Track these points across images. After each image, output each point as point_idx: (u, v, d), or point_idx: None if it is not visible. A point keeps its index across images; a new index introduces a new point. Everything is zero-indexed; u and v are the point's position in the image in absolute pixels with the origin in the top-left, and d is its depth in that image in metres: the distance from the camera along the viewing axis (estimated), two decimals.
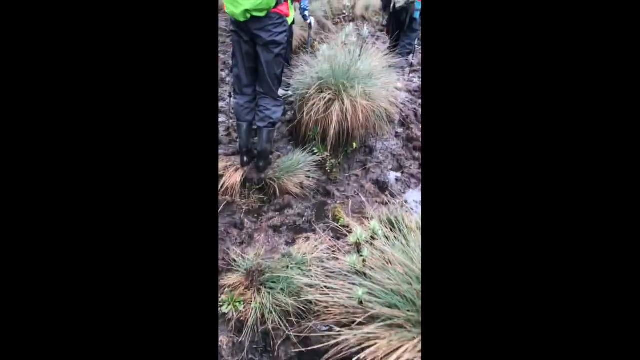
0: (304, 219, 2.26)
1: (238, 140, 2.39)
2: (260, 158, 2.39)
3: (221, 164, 2.51)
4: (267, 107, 2.26)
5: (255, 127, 2.38)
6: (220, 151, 2.91)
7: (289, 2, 2.10)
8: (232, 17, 2.01)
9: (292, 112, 2.99)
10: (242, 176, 2.40)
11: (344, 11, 7.46)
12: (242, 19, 1.95)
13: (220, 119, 3.30)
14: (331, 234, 2.11)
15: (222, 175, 2.42)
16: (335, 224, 2.16)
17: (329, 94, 2.68)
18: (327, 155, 2.82)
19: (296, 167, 2.52)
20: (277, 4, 1.98)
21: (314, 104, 2.69)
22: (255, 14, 1.94)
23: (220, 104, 3.45)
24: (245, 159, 2.43)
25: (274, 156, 2.75)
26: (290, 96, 2.93)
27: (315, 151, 2.85)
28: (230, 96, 2.30)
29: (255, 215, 2.27)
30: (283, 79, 2.37)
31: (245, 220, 2.19)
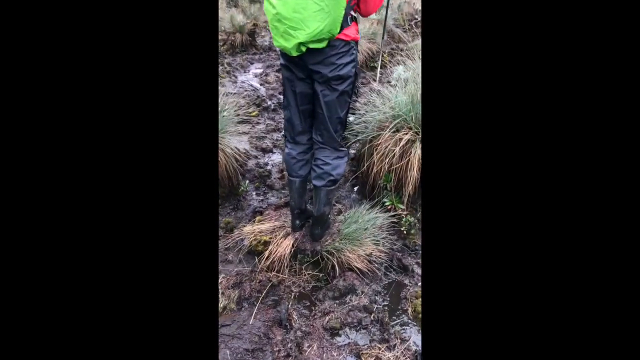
0: (372, 315, 1.65)
1: (289, 199, 1.87)
2: (317, 224, 1.83)
3: (268, 224, 2.01)
4: (327, 160, 1.70)
5: (310, 185, 1.84)
6: (271, 199, 2.43)
7: (356, 20, 1.53)
8: (281, 50, 1.50)
9: (356, 155, 2.40)
10: (294, 245, 1.87)
11: (416, 16, 6.64)
12: (295, 54, 1.43)
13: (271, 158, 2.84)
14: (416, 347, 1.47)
15: (268, 242, 1.91)
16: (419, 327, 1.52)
17: (406, 133, 2.05)
18: (403, 212, 2.18)
19: (363, 232, 1.92)
20: (342, 29, 1.42)
21: (387, 147, 2.08)
22: (313, 46, 1.40)
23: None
24: (297, 222, 1.89)
25: (334, 212, 2.19)
26: (357, 123, 2.32)
27: (387, 203, 2.22)
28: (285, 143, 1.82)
29: (307, 304, 1.72)
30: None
31: (294, 314, 1.64)
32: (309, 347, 1.49)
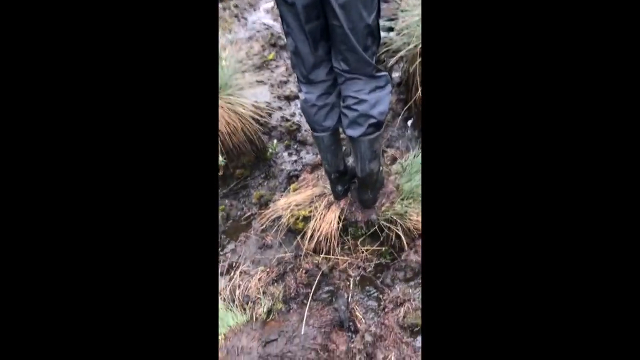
0: None
1: (322, 161, 1.38)
2: (365, 186, 1.35)
3: (305, 193, 1.58)
4: (361, 96, 1.16)
5: (345, 136, 1.32)
6: (306, 157, 1.97)
7: None
8: None
9: (402, 78, 1.77)
10: (341, 218, 1.43)
11: None
12: None
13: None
14: None
15: (308, 217, 1.49)
16: None
17: None
18: None
19: None
20: None
21: None
22: None
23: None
24: (339, 188, 1.42)
25: (386, 161, 1.67)
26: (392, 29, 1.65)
27: None
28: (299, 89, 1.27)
29: (373, 292, 1.31)
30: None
31: (357, 310, 1.24)
32: (384, 359, 1.10)
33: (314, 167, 1.82)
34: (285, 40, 3.12)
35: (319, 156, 1.88)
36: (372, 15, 1.05)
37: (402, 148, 1.76)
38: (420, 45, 1.53)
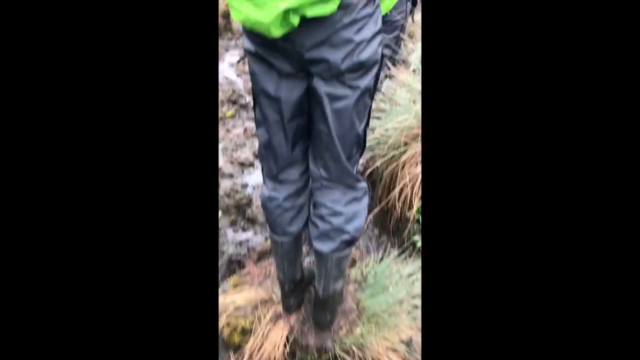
0: None
1: (276, 269, 1.16)
2: (323, 308, 1.14)
3: (248, 294, 1.31)
4: (336, 208, 0.99)
5: (308, 246, 1.13)
6: (253, 240, 1.73)
7: None
8: (248, 28, 0.78)
9: (377, 178, 1.66)
10: (288, 339, 1.18)
11: None
12: (278, 33, 0.72)
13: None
14: None
15: (248, 331, 1.22)
16: None
17: None
18: None
19: (396, 304, 1.24)
20: None
21: (416, 161, 1.38)
22: (313, 12, 0.70)
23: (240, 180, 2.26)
24: (291, 301, 1.19)
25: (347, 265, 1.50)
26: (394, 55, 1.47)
27: (419, 242, 1.54)
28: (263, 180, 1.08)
29: None
30: None
31: None
32: None
33: (261, 255, 1.58)
34: (246, 99, 3.00)
35: (268, 241, 1.65)
36: (363, 123, 0.93)
37: (362, 248, 1.60)
38: (394, 151, 1.46)
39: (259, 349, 1.16)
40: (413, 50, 1.85)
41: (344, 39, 0.76)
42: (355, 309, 1.24)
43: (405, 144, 1.44)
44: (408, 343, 1.21)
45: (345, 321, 1.20)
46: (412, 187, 1.39)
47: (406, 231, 1.58)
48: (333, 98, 0.84)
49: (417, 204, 1.44)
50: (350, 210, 1.00)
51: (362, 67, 0.81)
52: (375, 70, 0.86)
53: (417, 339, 1.23)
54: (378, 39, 0.82)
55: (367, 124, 0.96)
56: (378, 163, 1.56)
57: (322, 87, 0.83)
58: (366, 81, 0.85)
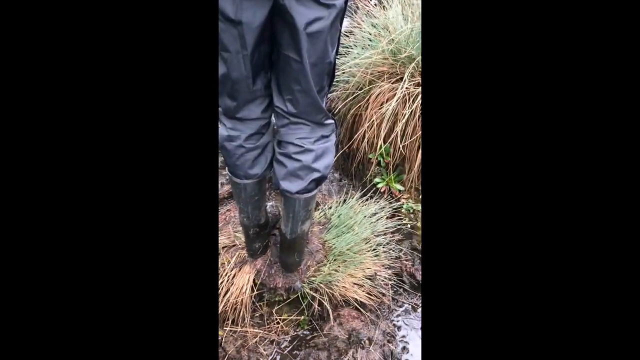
0: None
1: (239, 213, 1.10)
2: (291, 249, 1.12)
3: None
4: (305, 145, 0.93)
5: (274, 188, 1.07)
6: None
7: None
8: None
9: (338, 122, 1.60)
10: (255, 282, 1.16)
11: None
12: None
13: None
14: None
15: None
16: None
17: (416, 83, 1.31)
18: (402, 196, 1.55)
19: (360, 243, 1.26)
20: None
21: (384, 104, 1.34)
22: None
23: None
24: (256, 245, 1.16)
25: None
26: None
27: (379, 183, 1.57)
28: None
29: None
30: None
31: None
32: None
33: (221, 201, 1.51)
34: None
35: (228, 186, 1.57)
36: (334, 49, 0.85)
37: (324, 192, 1.59)
38: (359, 89, 1.40)
39: (225, 294, 1.13)
40: None
41: None
42: (322, 248, 1.24)
43: (371, 82, 1.38)
44: (372, 278, 1.26)
45: (312, 261, 1.20)
46: (378, 129, 1.37)
47: (369, 174, 1.59)
48: (307, 19, 0.74)
49: (380, 146, 1.43)
50: (319, 147, 0.95)
51: None
52: None
53: (381, 274, 1.28)
54: None
55: (338, 51, 0.88)
56: (340, 104, 1.50)
57: (294, 6, 0.73)
58: (341, 0, 0.76)
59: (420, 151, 1.40)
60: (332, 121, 0.97)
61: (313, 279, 1.16)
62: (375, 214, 1.37)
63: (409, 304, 1.29)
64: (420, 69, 1.31)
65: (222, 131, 0.95)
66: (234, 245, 1.24)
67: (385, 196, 1.56)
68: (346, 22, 1.88)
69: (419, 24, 1.33)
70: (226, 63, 0.82)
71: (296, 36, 0.76)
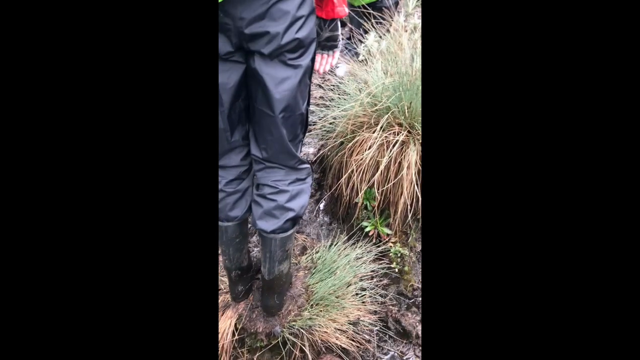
0: None
1: (222, 256, 1.14)
2: (271, 291, 1.14)
3: None
4: (280, 186, 1.00)
5: (253, 228, 1.12)
6: None
7: None
8: None
9: (318, 159, 1.69)
10: (237, 326, 1.17)
11: None
12: None
13: None
14: None
15: None
16: None
17: (396, 132, 1.40)
18: (390, 240, 1.56)
19: (343, 287, 1.27)
20: None
21: (368, 152, 1.42)
22: None
23: None
24: (239, 288, 1.18)
25: (296, 247, 1.50)
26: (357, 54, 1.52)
27: (367, 227, 1.59)
28: None
29: None
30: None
31: None
32: None
33: None
34: None
35: None
36: (305, 102, 0.94)
37: (313, 236, 1.62)
38: (343, 138, 1.48)
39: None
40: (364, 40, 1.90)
41: (283, 11, 0.77)
42: (304, 292, 1.25)
43: (353, 132, 1.47)
44: (355, 324, 1.25)
45: (293, 306, 1.20)
46: (359, 174, 1.43)
47: (354, 217, 1.62)
48: (276, 80, 0.83)
49: (363, 190, 1.48)
50: (294, 188, 1.01)
51: (301, 46, 0.82)
52: (312, 49, 0.87)
53: (365, 319, 1.27)
54: (313, 18, 0.83)
55: (309, 103, 0.97)
56: (327, 151, 1.58)
57: (264, 69, 0.83)
58: (307, 60, 0.86)
59: (402, 196, 1.45)
60: (307, 165, 1.04)
61: (293, 323, 1.16)
62: (359, 257, 1.38)
63: (395, 352, 1.26)
64: (398, 121, 1.40)
65: None
66: (219, 290, 1.26)
67: (374, 240, 1.58)
68: (343, 69, 2.01)
69: (396, 77, 1.44)
70: None
71: (268, 94, 0.85)
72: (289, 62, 0.84)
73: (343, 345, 1.19)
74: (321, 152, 1.63)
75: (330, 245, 1.44)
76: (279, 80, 0.85)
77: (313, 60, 0.90)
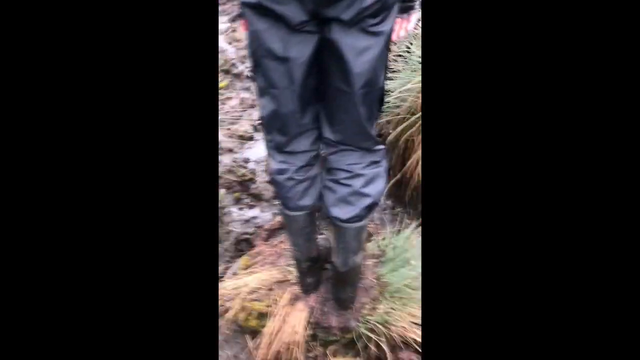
0: None
1: (291, 246, 1.07)
2: (344, 283, 1.06)
3: (261, 276, 1.24)
4: (355, 170, 0.90)
5: (323, 216, 1.03)
6: (261, 217, 1.64)
7: None
8: None
9: (390, 148, 1.55)
10: (308, 320, 1.11)
11: None
12: None
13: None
14: None
15: (264, 314, 1.14)
16: None
17: None
18: None
19: (417, 275, 1.17)
20: None
21: None
22: None
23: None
24: (309, 279, 1.12)
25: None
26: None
27: None
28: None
29: None
30: None
31: None
32: None
33: (271, 233, 1.50)
34: (238, 68, 2.82)
35: (277, 217, 1.56)
36: (384, 74, 0.82)
37: (377, 221, 1.52)
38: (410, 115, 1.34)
39: (278, 333, 1.09)
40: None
41: None
42: (376, 285, 1.16)
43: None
44: None
45: (367, 297, 1.13)
46: None
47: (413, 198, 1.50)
48: (355, 50, 0.72)
49: None
50: (370, 172, 0.91)
51: (384, 8, 0.69)
52: (394, 12, 0.74)
53: None
54: None
55: (387, 75, 0.84)
56: (392, 129, 1.44)
57: (343, 39, 0.71)
58: (389, 25, 0.73)
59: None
60: (382, 147, 0.93)
61: (369, 317, 1.08)
62: None
63: None
64: None
65: (273, 165, 0.94)
66: (286, 280, 1.20)
67: None
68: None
69: None
70: (275, 99, 0.81)
71: (346, 68, 0.74)
72: (370, 29, 0.72)
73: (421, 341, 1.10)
74: (384, 130, 1.50)
75: (398, 232, 1.34)
76: (359, 51, 0.73)
77: (392, 25, 0.77)
